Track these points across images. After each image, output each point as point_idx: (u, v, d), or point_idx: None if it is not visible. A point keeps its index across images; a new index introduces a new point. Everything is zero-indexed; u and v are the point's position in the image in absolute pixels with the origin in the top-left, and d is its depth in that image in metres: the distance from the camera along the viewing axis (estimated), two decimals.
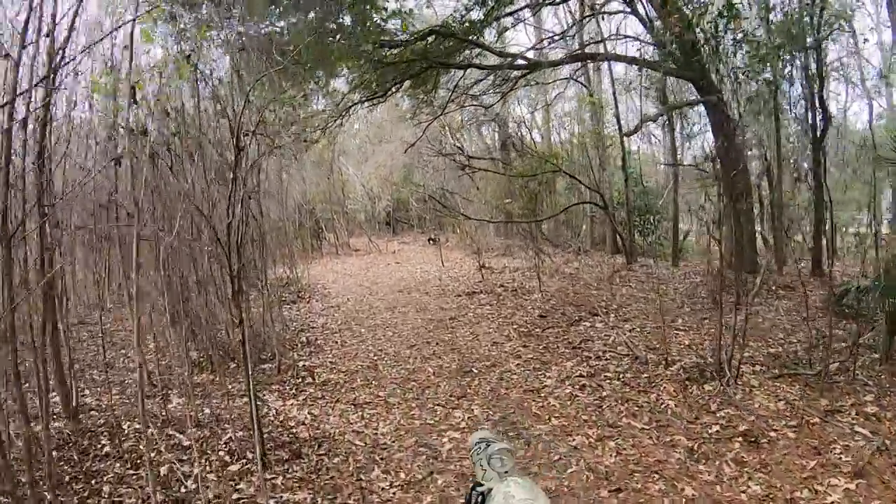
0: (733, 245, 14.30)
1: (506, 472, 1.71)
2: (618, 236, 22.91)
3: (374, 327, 12.87)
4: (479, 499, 1.61)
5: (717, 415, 6.76)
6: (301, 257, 24.96)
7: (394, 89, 17.12)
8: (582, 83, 25.30)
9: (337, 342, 11.51)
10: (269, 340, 10.16)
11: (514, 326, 11.96)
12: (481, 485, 1.65)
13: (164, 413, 7.06)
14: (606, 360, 9.21)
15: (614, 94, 22.79)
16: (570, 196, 25.74)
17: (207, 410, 7.16)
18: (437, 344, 11.05)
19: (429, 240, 34.70)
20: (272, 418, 7.44)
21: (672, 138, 22.35)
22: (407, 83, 16.65)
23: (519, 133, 27.71)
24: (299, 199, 26.75)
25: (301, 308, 15.51)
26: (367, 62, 14.66)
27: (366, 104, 17.48)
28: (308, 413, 7.76)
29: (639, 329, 10.73)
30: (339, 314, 14.51)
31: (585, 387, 8.13)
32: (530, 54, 20.78)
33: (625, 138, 22.31)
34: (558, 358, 9.69)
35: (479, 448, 1.87)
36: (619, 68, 22.42)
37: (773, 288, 12.78)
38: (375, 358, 10.42)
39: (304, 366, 9.98)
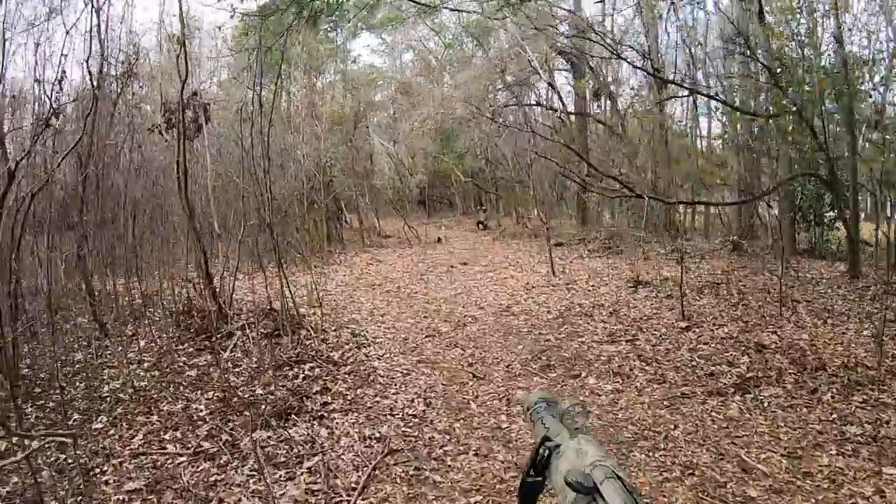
0: None
1: (577, 429, 1.24)
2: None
3: None
4: (547, 453, 1.20)
5: None
6: (314, 254, 14.20)
7: None
8: None
9: None
10: None
11: None
12: (550, 439, 1.23)
13: None
14: None
15: None
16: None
17: None
18: None
19: (478, 223, 25.78)
20: None
21: None
22: None
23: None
24: (310, 164, 15.68)
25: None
26: None
27: None
28: None
29: None
30: None
31: None
32: None
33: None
34: None
35: (540, 408, 1.40)
36: None
37: None
38: None
39: None
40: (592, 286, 11.20)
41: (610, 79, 18.78)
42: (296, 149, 15.53)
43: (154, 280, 9.51)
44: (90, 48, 7.14)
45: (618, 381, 6.43)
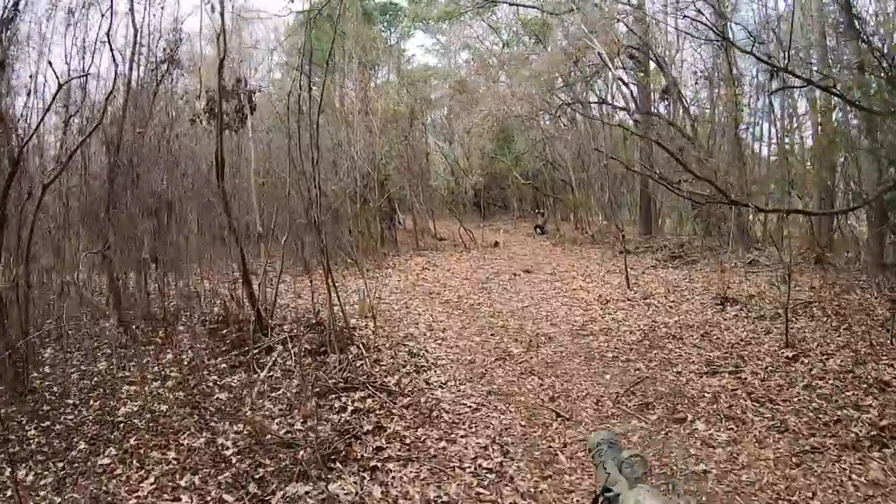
0: None
1: (636, 478, 1.28)
2: None
3: None
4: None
5: None
6: (366, 256, 13.24)
7: None
8: None
9: None
10: None
11: None
12: (609, 490, 1.30)
13: None
14: None
15: None
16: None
17: None
18: None
19: (535, 227, 24.09)
20: None
21: None
22: None
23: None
24: (363, 161, 14.63)
25: None
26: None
27: None
28: None
29: None
30: None
31: None
32: None
33: None
34: None
35: (602, 450, 1.50)
36: None
37: None
38: None
39: None
40: (673, 302, 9.87)
41: (676, 75, 17.25)
42: (349, 145, 14.54)
43: (190, 282, 8.60)
44: (110, 21, 6.15)
45: (731, 428, 5.17)
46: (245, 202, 9.45)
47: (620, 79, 15.52)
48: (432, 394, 5.58)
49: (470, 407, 5.35)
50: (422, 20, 26.08)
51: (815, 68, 10.66)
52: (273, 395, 5.46)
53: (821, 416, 5.34)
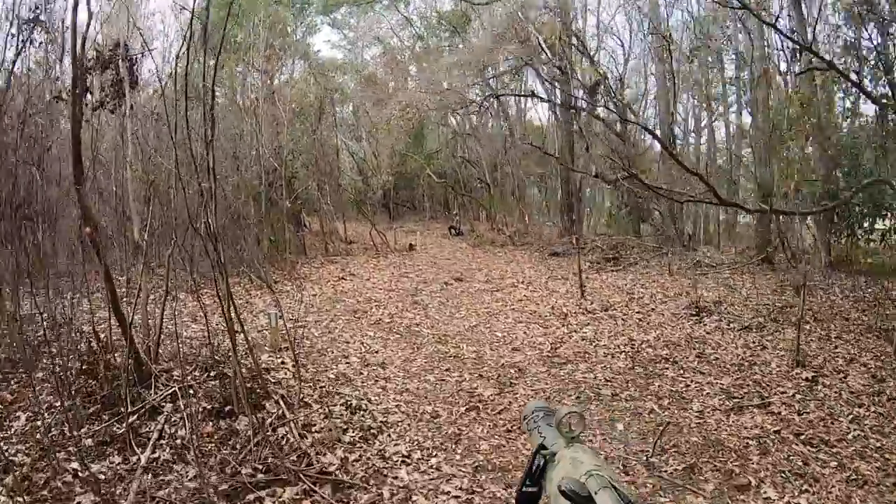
0: None
1: (573, 437, 1.13)
2: None
3: None
4: (542, 462, 1.14)
5: None
6: (274, 266, 11.37)
7: None
8: None
9: None
10: None
11: None
12: (545, 448, 1.16)
13: None
14: None
15: None
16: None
17: None
18: None
19: (450, 229, 23.04)
20: None
21: None
22: None
23: None
24: (268, 153, 12.67)
25: None
26: None
27: None
28: None
29: None
30: None
31: None
32: None
33: None
34: None
35: (537, 416, 1.32)
36: None
37: None
38: None
39: None
40: (640, 313, 8.56)
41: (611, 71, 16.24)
42: (253, 136, 12.54)
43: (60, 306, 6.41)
44: None
45: (806, 490, 3.89)
46: (123, 203, 7.36)
47: (559, 68, 14.15)
48: (396, 478, 3.69)
49: (457, 498, 3.56)
50: (334, 5, 24.43)
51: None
52: (161, 493, 3.52)
53: (888, 457, 4.36)
